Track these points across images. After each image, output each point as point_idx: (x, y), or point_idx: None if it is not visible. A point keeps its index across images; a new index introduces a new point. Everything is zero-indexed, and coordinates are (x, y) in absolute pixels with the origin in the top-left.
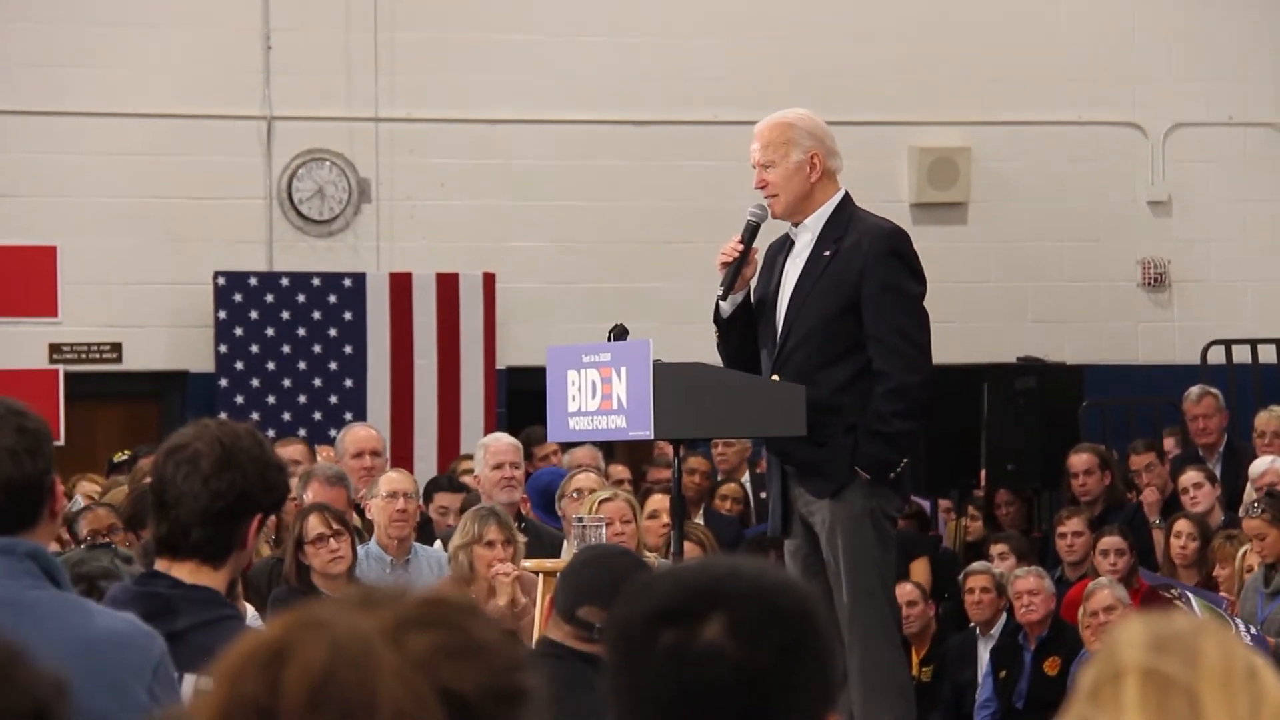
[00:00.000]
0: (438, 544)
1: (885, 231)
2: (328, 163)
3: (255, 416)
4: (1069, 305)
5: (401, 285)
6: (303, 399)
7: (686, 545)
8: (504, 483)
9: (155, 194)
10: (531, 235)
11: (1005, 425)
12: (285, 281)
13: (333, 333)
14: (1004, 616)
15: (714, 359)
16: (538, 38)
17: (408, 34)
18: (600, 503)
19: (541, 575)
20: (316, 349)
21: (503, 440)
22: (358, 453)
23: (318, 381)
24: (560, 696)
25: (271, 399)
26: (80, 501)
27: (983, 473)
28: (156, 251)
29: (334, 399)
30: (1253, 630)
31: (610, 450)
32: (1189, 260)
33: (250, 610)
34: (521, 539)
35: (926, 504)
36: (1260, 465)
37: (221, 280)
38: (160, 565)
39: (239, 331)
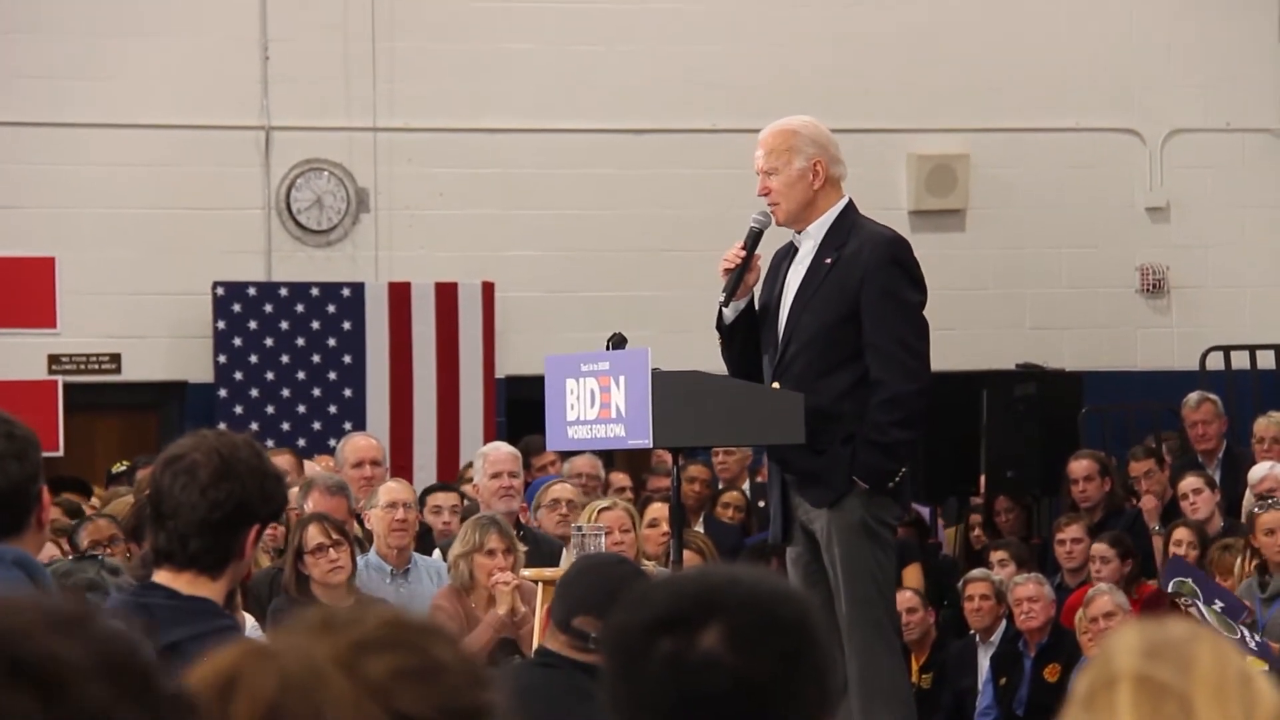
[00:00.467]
0: (436, 553)
1: (886, 239)
2: (326, 172)
3: (254, 426)
4: (1068, 312)
5: (400, 295)
6: (302, 409)
7: (686, 554)
8: (502, 492)
9: (154, 205)
10: (530, 244)
11: (1004, 432)
12: (284, 291)
13: (332, 342)
14: (1004, 623)
15: (712, 367)
16: (536, 47)
17: (405, 43)
18: (599, 511)
19: (541, 584)
20: (315, 359)
21: (501, 449)
22: (357, 462)
23: (317, 391)
24: (557, 706)
25: (270, 409)
26: None
27: (982, 479)
28: (155, 262)
29: (333, 409)
30: (1257, 638)
31: (610, 459)
32: (1187, 266)
33: (250, 621)
34: (522, 548)
35: (926, 511)
36: (1259, 471)
37: (220, 290)
38: (158, 576)
39: (238, 342)
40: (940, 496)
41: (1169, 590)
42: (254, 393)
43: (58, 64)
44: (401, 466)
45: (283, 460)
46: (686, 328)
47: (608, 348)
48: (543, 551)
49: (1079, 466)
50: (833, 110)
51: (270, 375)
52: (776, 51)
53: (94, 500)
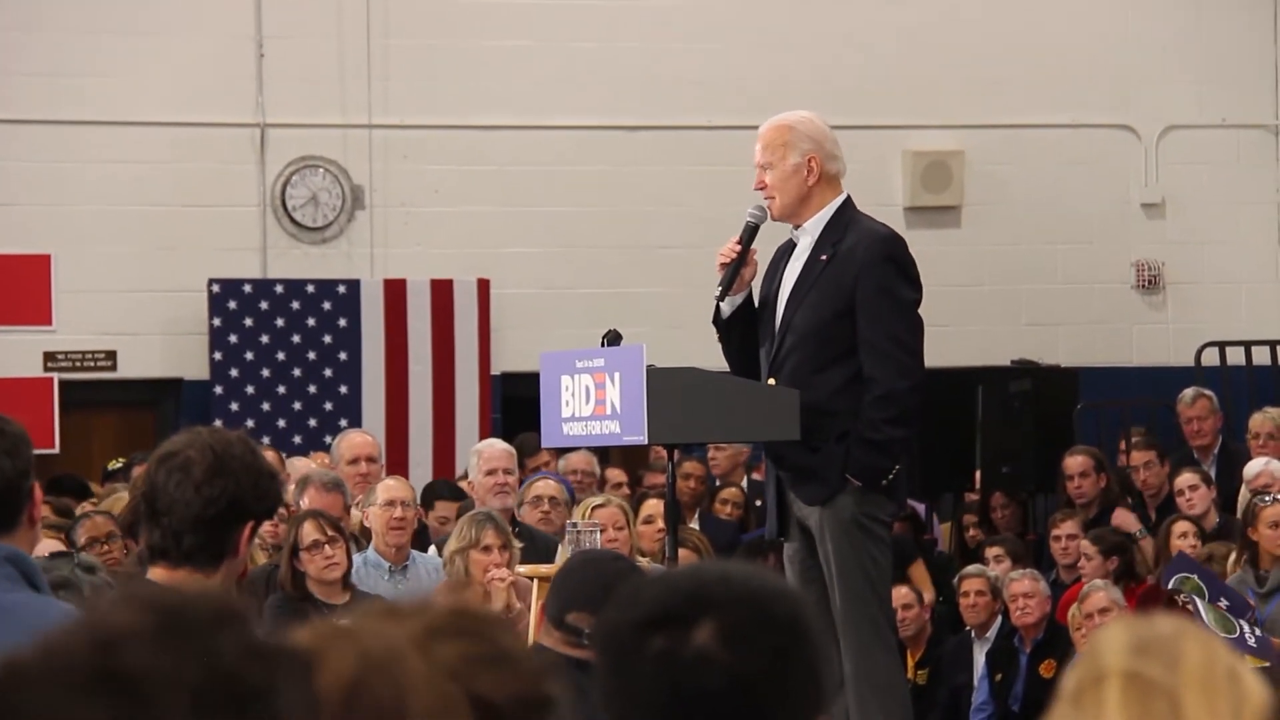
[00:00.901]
0: (432, 550)
1: (881, 237)
2: (321, 170)
3: (250, 423)
4: (1063, 308)
5: (396, 292)
6: (297, 406)
7: (682, 551)
8: (497, 488)
9: (149, 202)
10: (525, 241)
11: (1000, 428)
12: (279, 289)
13: (327, 340)
14: (999, 619)
15: (708, 364)
16: (530, 44)
17: (400, 41)
18: (593, 508)
19: (536, 580)
20: (311, 356)
21: (496, 446)
22: (353, 459)
23: (312, 388)
24: None
25: (266, 406)
26: None
27: (978, 475)
28: (151, 259)
29: (329, 406)
30: (1257, 633)
31: (605, 455)
32: (1183, 262)
33: None
34: (517, 544)
35: (921, 507)
36: (1254, 467)
37: (216, 288)
38: (153, 573)
39: (233, 339)
40: (936, 492)
41: (1170, 587)
42: (250, 390)
43: (53, 61)
44: (397, 463)
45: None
46: (682, 324)
47: (603, 344)
48: (538, 548)
49: (1074, 462)
50: (827, 106)
51: (266, 372)
52: (772, 48)
53: (93, 499)
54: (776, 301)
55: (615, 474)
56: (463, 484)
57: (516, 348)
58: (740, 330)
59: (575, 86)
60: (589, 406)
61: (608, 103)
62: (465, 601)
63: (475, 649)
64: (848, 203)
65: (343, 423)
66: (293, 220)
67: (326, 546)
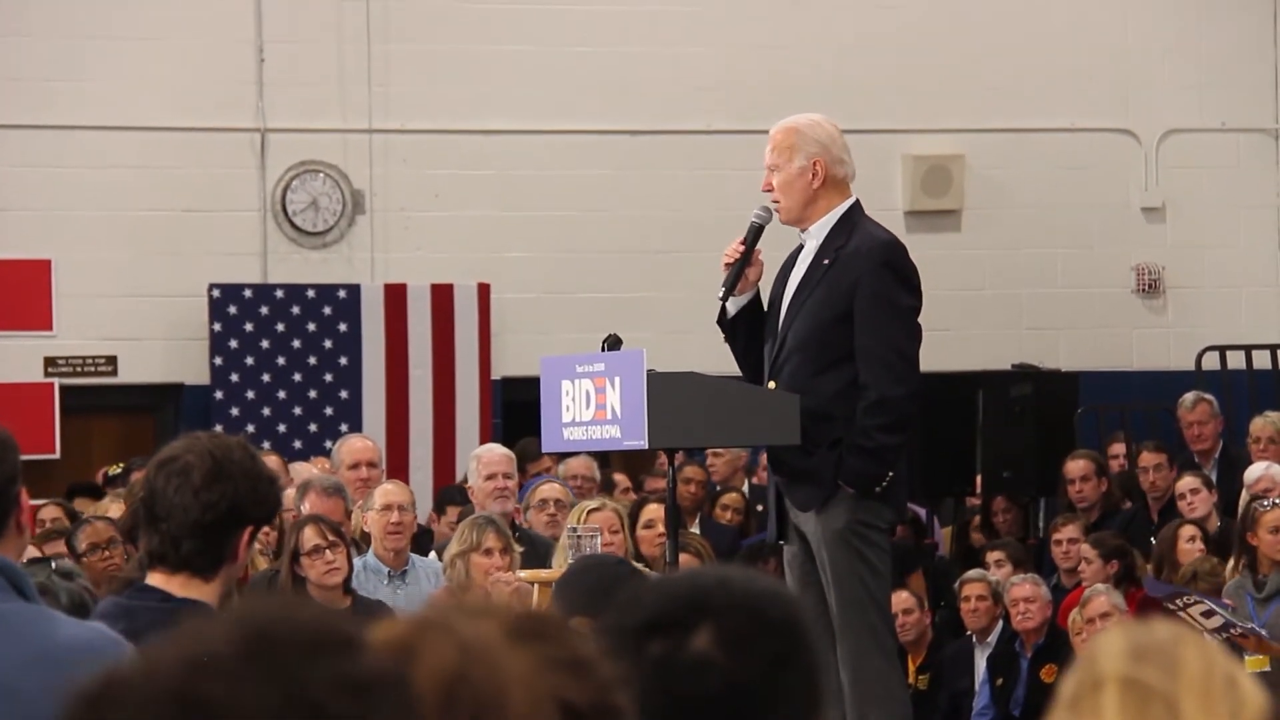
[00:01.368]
0: (433, 554)
1: (880, 243)
2: (322, 174)
3: (251, 429)
4: (1064, 312)
5: (396, 296)
6: (298, 411)
7: (683, 556)
8: (497, 493)
9: (149, 207)
10: (526, 245)
11: (1001, 432)
12: (280, 294)
13: (328, 344)
14: (1000, 624)
15: (709, 368)
16: (531, 48)
17: (401, 45)
18: (588, 512)
19: (537, 585)
20: (311, 361)
21: (496, 451)
22: (354, 464)
23: (313, 393)
24: None
25: (267, 411)
26: None
27: (978, 480)
28: (151, 264)
29: (329, 410)
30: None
31: (605, 460)
32: (1183, 266)
33: None
34: (518, 549)
35: (922, 512)
36: (1255, 471)
37: (216, 293)
38: (152, 578)
39: (234, 344)
40: (936, 497)
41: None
42: (250, 395)
43: (53, 66)
44: (398, 468)
45: (269, 462)
46: (682, 329)
47: (603, 349)
48: (539, 553)
49: (1075, 467)
50: (828, 110)
51: (266, 377)
52: (772, 52)
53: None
54: (781, 303)
55: (623, 479)
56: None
57: (517, 352)
58: (746, 330)
59: (575, 91)
60: (589, 411)
61: (608, 107)
62: (536, 607)
63: (557, 652)
64: (855, 207)
65: (343, 428)
66: (293, 225)
67: (327, 551)
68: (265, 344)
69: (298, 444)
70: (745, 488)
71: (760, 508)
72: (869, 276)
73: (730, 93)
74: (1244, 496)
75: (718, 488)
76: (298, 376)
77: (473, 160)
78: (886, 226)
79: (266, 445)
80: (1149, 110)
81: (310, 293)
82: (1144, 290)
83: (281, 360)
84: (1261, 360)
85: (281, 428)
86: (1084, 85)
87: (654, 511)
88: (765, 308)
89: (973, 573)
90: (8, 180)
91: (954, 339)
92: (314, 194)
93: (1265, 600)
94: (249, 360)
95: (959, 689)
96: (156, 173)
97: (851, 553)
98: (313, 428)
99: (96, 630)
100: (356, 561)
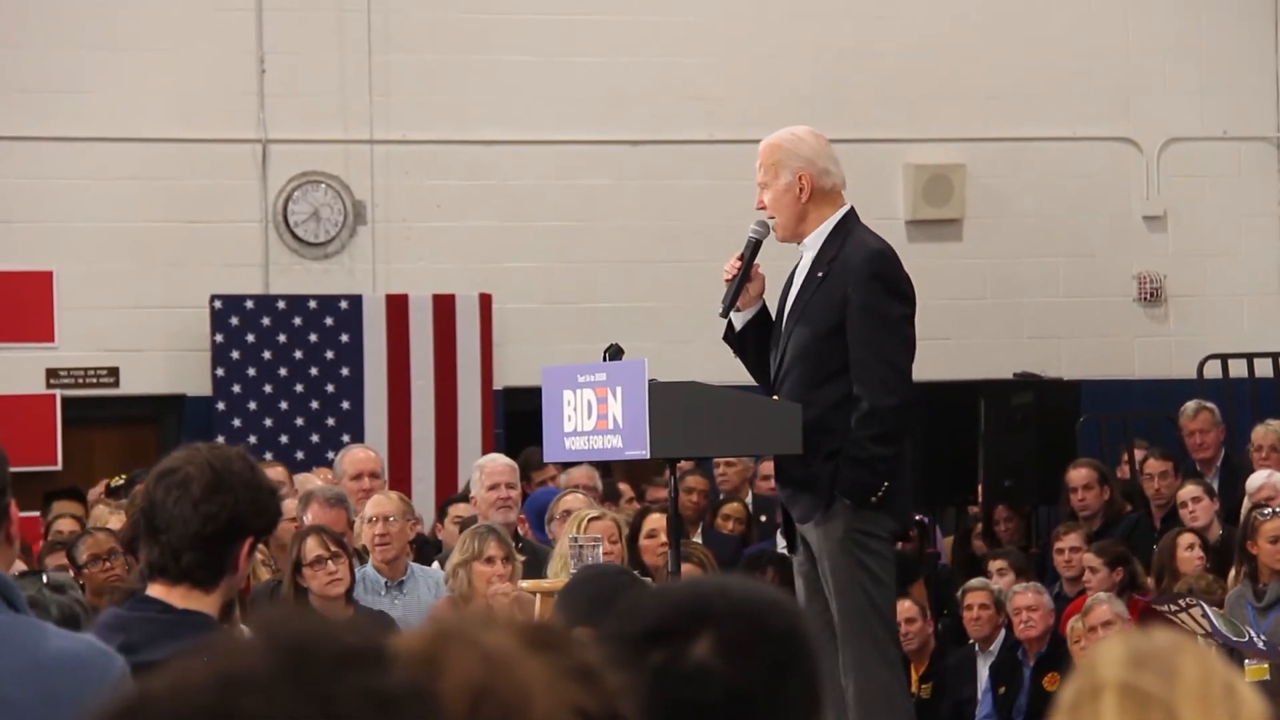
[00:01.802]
0: (436, 564)
1: (869, 253)
2: (323, 185)
3: (253, 440)
4: (1065, 321)
5: (398, 307)
6: (300, 421)
7: (685, 566)
8: (499, 503)
9: (151, 218)
10: (527, 256)
11: (1003, 441)
12: (281, 304)
13: (329, 355)
14: (1003, 633)
15: (710, 378)
16: (532, 59)
17: (402, 56)
18: (588, 522)
19: (539, 595)
20: (313, 371)
21: (498, 461)
22: (356, 474)
23: (315, 404)
24: None
25: (269, 422)
26: None
27: (980, 489)
28: (153, 275)
29: (331, 421)
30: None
31: (607, 470)
32: (1185, 275)
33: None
34: (520, 558)
35: (926, 520)
36: (1257, 479)
37: (218, 304)
38: (152, 590)
39: (236, 355)
40: (939, 506)
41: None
42: (252, 405)
43: (54, 78)
44: (400, 479)
45: (275, 473)
46: (684, 339)
47: (605, 359)
48: (540, 563)
49: (1077, 475)
50: (828, 120)
51: (268, 388)
52: (772, 62)
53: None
54: (783, 316)
55: (627, 488)
56: (462, 505)
57: (518, 362)
58: (755, 344)
59: (577, 101)
60: (591, 421)
61: (609, 117)
62: (540, 619)
63: (569, 661)
64: (848, 216)
65: (345, 438)
66: (295, 236)
67: (329, 562)
68: (267, 355)
69: (300, 455)
70: (748, 498)
71: (764, 518)
72: (858, 289)
73: (732, 103)
74: (1245, 505)
75: (720, 497)
76: (300, 387)
77: (474, 171)
78: (885, 235)
79: (269, 456)
80: (1150, 119)
81: (312, 303)
82: (1145, 299)
83: (283, 371)
84: (1263, 368)
85: (284, 438)
86: (1085, 94)
87: (656, 521)
88: (774, 318)
89: (975, 581)
90: (9, 192)
91: (955, 348)
92: (315, 205)
93: (1265, 609)
94: (251, 371)
95: (962, 697)
96: (158, 183)
97: (853, 562)
98: (315, 438)
99: (86, 642)
100: (357, 572)
